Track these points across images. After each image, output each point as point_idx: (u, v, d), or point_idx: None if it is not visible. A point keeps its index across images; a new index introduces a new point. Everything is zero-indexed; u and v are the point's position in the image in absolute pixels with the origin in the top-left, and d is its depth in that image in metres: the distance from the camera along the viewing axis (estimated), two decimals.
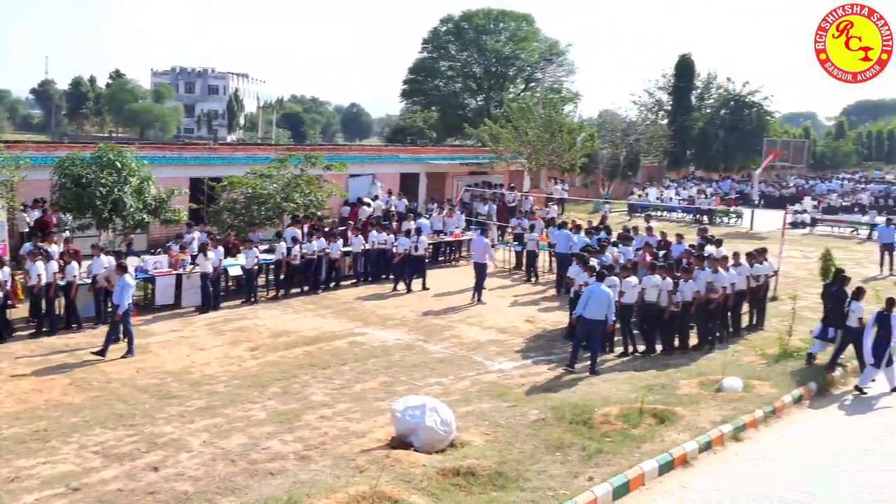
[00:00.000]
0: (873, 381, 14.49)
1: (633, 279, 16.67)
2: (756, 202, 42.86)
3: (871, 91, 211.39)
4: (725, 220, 42.45)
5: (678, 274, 16.84)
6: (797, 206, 43.40)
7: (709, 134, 58.56)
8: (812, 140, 79.24)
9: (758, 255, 18.78)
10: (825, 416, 13.05)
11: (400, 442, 10.65)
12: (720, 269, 17.12)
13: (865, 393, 14.23)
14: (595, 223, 26.49)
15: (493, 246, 24.89)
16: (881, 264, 27.13)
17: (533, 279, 24.81)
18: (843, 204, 47.81)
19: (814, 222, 40.26)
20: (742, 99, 58.65)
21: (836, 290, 15.56)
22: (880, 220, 33.93)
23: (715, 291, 16.85)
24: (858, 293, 14.98)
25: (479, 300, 21.50)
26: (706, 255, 18.42)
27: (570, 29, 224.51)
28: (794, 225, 40.22)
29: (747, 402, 12.66)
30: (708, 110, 62.54)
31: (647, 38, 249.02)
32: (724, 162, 60.00)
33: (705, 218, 42.38)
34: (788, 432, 12.07)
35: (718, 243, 20.80)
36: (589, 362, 15.17)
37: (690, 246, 20.79)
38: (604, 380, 14.46)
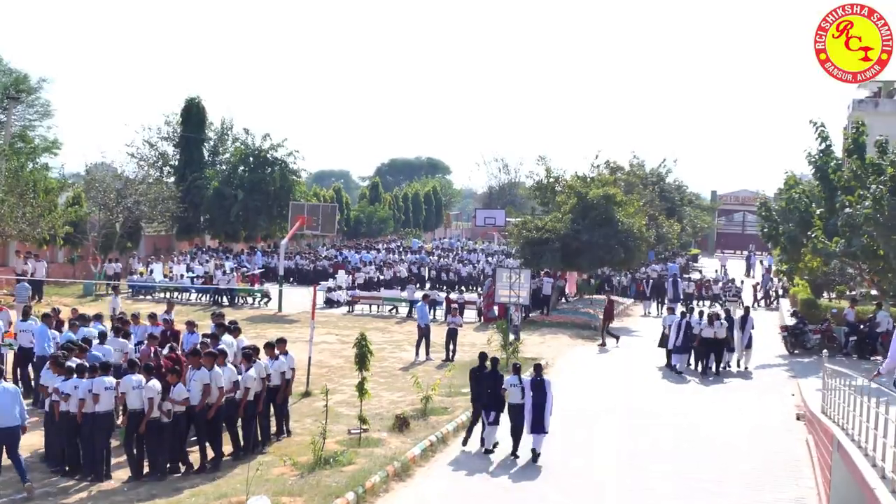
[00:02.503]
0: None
1: (138, 378, 16.55)
2: (283, 277, 44.59)
3: (404, 150, 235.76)
4: (250, 300, 43.83)
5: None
6: (330, 282, 46.30)
7: (226, 195, 59.91)
8: (345, 203, 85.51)
9: (275, 347, 19.29)
10: None
11: None
12: (217, 366, 17.25)
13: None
14: (84, 311, 25.59)
15: None
16: (418, 347, 29.98)
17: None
18: (382, 278, 52.05)
19: (352, 301, 43.06)
20: (263, 155, 61.29)
21: (491, 373, 18.93)
22: (419, 295, 37.67)
23: (210, 394, 16.98)
24: (516, 369, 19.05)
25: None
26: (216, 348, 18.54)
27: (48, 61, 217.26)
28: (330, 303, 42.99)
29: None
30: (224, 167, 64.41)
31: (149, 76, 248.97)
32: (246, 229, 61.86)
33: (224, 299, 43.37)
34: None
35: (236, 331, 21.42)
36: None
37: (205, 335, 21.09)
38: None
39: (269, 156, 61.07)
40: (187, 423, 16.94)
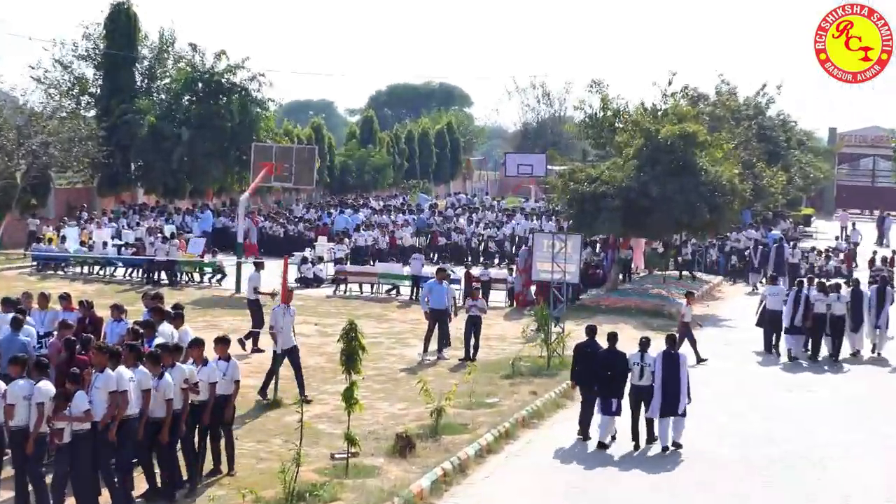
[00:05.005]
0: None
1: (26, 382, 16.15)
2: (243, 244, 44.19)
3: (408, 74, 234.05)
4: (198, 277, 43.79)
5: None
6: (307, 253, 46.38)
7: (166, 135, 60.06)
8: (328, 145, 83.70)
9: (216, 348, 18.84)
10: None
11: None
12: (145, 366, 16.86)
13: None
14: None
15: None
16: (427, 340, 29.87)
17: None
18: (378, 247, 51.61)
19: (338, 278, 42.95)
20: (216, 79, 61.29)
21: (609, 351, 21.20)
22: (430, 269, 37.48)
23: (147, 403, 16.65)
24: (643, 345, 21.17)
25: None
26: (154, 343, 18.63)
27: None
28: (307, 282, 43.10)
29: None
30: (162, 96, 64.54)
31: None
32: (192, 181, 62.01)
33: (163, 275, 43.30)
34: None
35: (179, 319, 21.36)
36: None
37: (136, 323, 21.11)
38: None
39: (223, 81, 61.36)
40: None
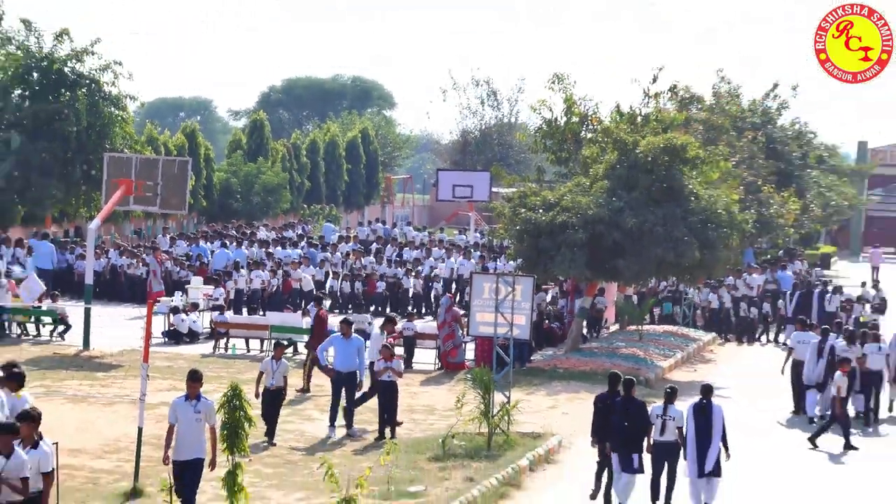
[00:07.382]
0: None
1: None
2: (93, 289, 43.26)
3: (313, 66, 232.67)
4: (33, 329, 43.87)
5: None
6: (177, 298, 46.63)
7: None
8: (204, 156, 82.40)
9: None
10: None
11: None
12: None
13: None
14: None
15: None
16: (333, 411, 30.22)
17: None
18: (269, 290, 52.52)
19: (217, 332, 43.28)
20: (56, 67, 60.13)
21: (626, 399, 23.35)
22: (336, 321, 38.08)
23: None
24: (669, 396, 23.35)
25: None
26: None
27: None
28: (176, 337, 43.39)
29: None
30: None
31: None
32: (25, 204, 61.02)
33: None
34: None
35: (13, 382, 20.34)
36: None
37: None
38: None
39: (67, 70, 60.50)
40: None
